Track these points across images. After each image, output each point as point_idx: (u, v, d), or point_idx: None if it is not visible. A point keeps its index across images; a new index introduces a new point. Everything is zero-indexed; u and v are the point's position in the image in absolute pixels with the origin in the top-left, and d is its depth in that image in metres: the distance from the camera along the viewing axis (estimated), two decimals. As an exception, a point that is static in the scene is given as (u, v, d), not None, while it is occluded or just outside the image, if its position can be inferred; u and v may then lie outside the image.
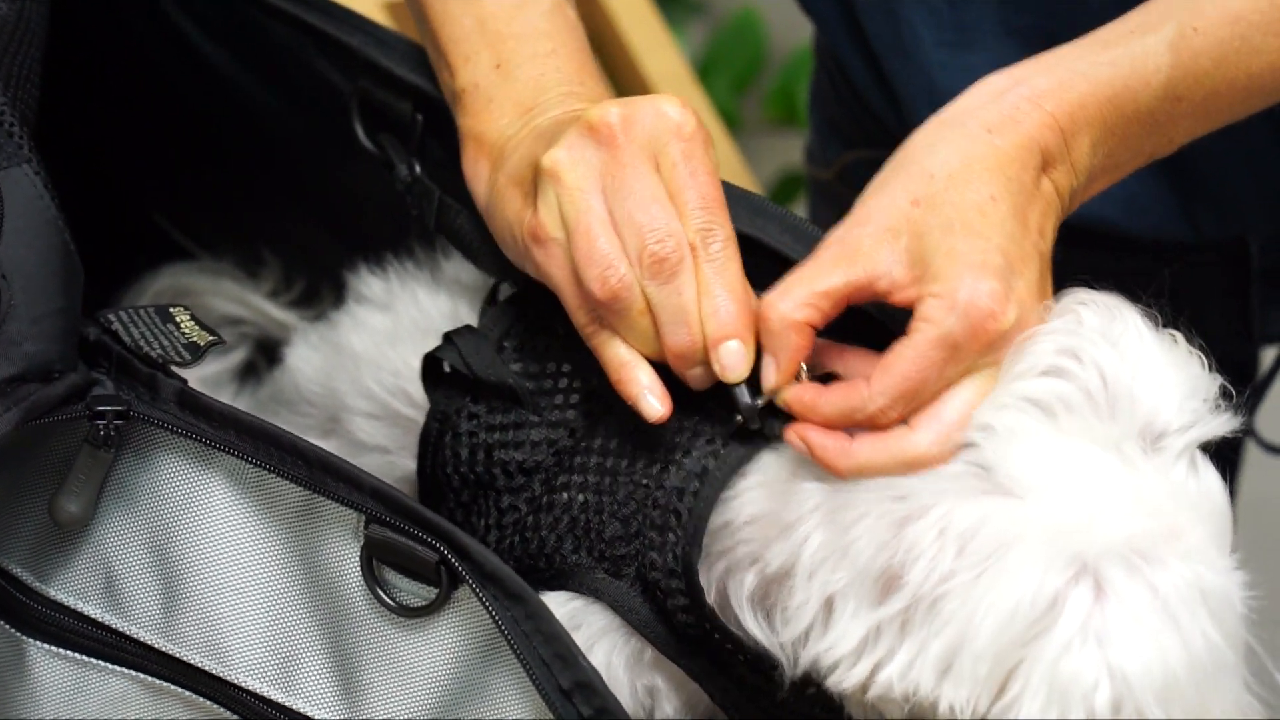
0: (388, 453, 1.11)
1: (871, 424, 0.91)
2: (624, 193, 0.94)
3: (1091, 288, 0.94)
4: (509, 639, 0.90)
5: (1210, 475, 0.91)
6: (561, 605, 0.96)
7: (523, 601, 0.90)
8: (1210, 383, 0.93)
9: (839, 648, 0.89)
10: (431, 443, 1.03)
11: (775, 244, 0.99)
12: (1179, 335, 0.93)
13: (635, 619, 0.95)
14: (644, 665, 0.96)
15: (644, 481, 0.95)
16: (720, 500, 0.94)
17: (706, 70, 2.72)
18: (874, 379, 0.90)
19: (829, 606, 0.90)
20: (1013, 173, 0.92)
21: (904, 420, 0.91)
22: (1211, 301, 1.24)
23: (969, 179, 0.92)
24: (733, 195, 0.99)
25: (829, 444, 0.91)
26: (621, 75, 1.63)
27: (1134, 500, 0.88)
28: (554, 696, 0.90)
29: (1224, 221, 1.20)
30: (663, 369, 0.95)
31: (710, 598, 0.95)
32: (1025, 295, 0.91)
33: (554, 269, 0.96)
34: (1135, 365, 0.91)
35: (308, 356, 1.17)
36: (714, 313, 0.93)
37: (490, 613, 0.90)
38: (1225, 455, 1.42)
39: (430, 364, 1.04)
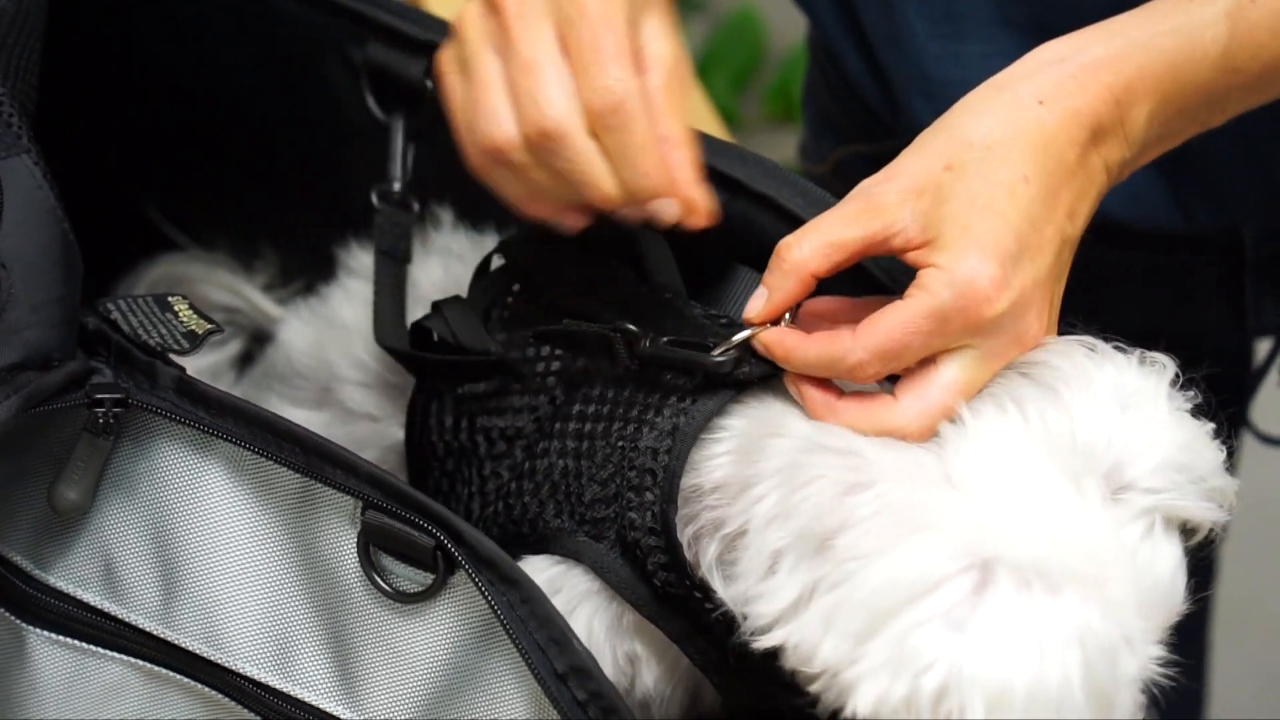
0: (376, 420, 1.12)
1: (849, 375, 0.91)
2: (509, 56, 0.94)
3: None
4: (505, 624, 0.90)
5: (1169, 554, 0.90)
6: (543, 570, 0.97)
7: (517, 586, 0.91)
8: (1221, 479, 0.92)
9: (773, 603, 0.89)
10: (419, 411, 1.05)
11: (788, 205, 1.00)
12: (1212, 425, 0.93)
13: (615, 580, 0.96)
14: (623, 631, 0.97)
15: (620, 444, 0.96)
16: (692, 461, 0.95)
17: (705, 68, 2.72)
18: (859, 332, 0.91)
19: (773, 563, 0.91)
20: (1054, 150, 0.92)
21: (882, 381, 0.92)
22: (1205, 293, 1.24)
23: (1007, 155, 0.91)
24: (744, 158, 1.01)
25: (818, 398, 0.92)
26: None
27: (1067, 532, 0.88)
28: (549, 681, 0.90)
29: (1217, 211, 1.20)
30: None
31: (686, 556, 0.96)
32: (1029, 285, 0.91)
33: (448, 104, 0.98)
34: (1135, 415, 0.91)
35: (300, 330, 1.19)
36: (637, 172, 0.93)
37: (486, 598, 0.90)
38: (1224, 448, 1.43)
39: (418, 333, 1.05)
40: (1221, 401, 1.38)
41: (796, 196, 1.01)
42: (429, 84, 1.10)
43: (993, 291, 0.90)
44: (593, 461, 0.96)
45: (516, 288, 1.04)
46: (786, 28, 2.80)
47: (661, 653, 0.98)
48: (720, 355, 0.94)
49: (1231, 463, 1.43)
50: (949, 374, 0.91)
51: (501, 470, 1.01)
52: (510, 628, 0.90)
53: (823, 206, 0.98)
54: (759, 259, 0.96)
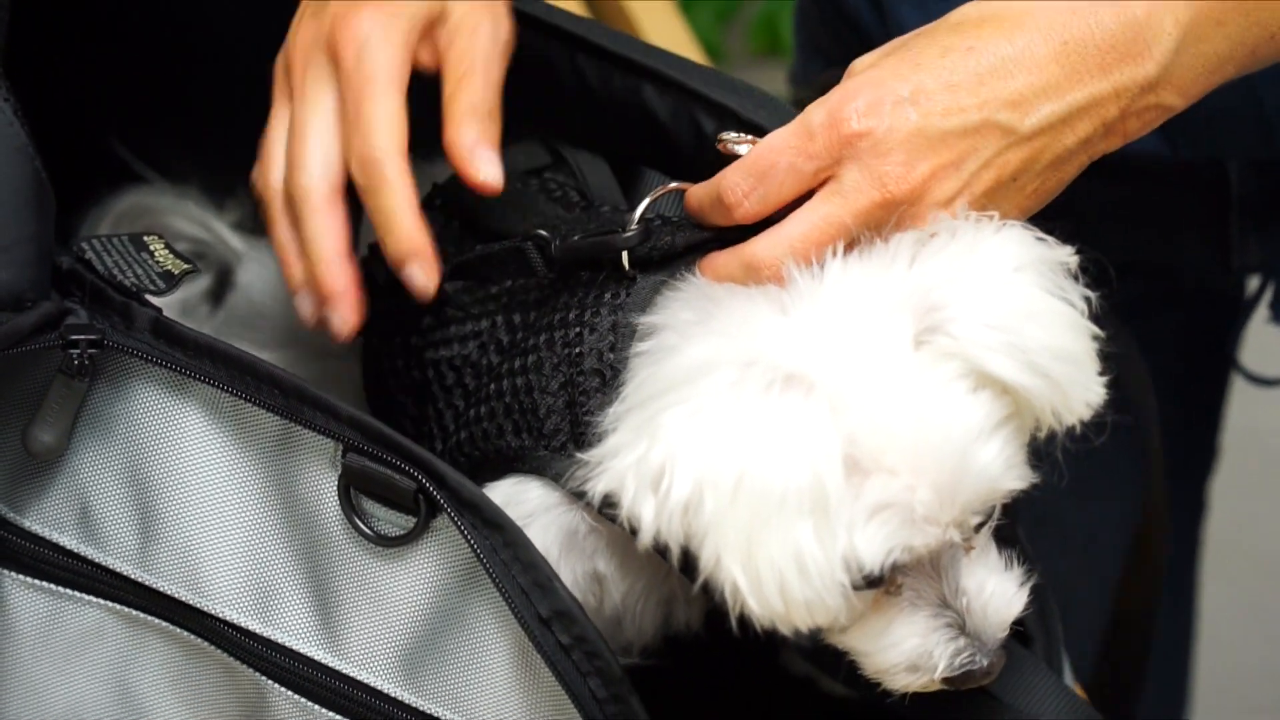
0: (342, 358, 1.11)
1: (727, 201, 0.92)
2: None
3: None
4: (487, 567, 0.89)
5: (964, 415, 0.88)
6: (498, 490, 0.96)
7: (501, 529, 0.90)
8: (1059, 365, 0.89)
9: (618, 458, 0.89)
10: (370, 358, 1.05)
11: (750, 116, 1.01)
12: (1101, 335, 0.91)
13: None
14: (580, 546, 0.96)
15: (565, 351, 0.95)
16: (628, 360, 0.95)
17: (689, 2, 2.70)
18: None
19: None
20: (1023, 38, 0.89)
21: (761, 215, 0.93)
22: (1190, 229, 1.23)
23: (972, 28, 0.90)
24: (736, 88, 1.02)
25: (707, 259, 0.94)
26: (602, 5, 1.62)
27: (849, 353, 0.88)
28: (533, 624, 0.89)
29: (1202, 141, 1.18)
30: None
31: None
32: (905, 130, 0.89)
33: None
34: (985, 275, 0.90)
35: (258, 272, 1.18)
36: (390, 236, 0.99)
37: (468, 540, 0.89)
38: (1212, 386, 1.42)
39: (365, 274, 1.04)
40: (1211, 339, 1.37)
41: (758, 108, 1.01)
42: None
43: (855, 108, 0.89)
44: (541, 374, 0.96)
45: (456, 224, 1.05)
46: (770, -40, 2.78)
47: (624, 568, 0.97)
48: (630, 230, 0.94)
49: (1218, 399, 1.43)
50: (809, 215, 0.91)
51: (455, 400, 1.00)
52: (493, 571, 0.90)
53: (782, 116, 0.98)
54: None
